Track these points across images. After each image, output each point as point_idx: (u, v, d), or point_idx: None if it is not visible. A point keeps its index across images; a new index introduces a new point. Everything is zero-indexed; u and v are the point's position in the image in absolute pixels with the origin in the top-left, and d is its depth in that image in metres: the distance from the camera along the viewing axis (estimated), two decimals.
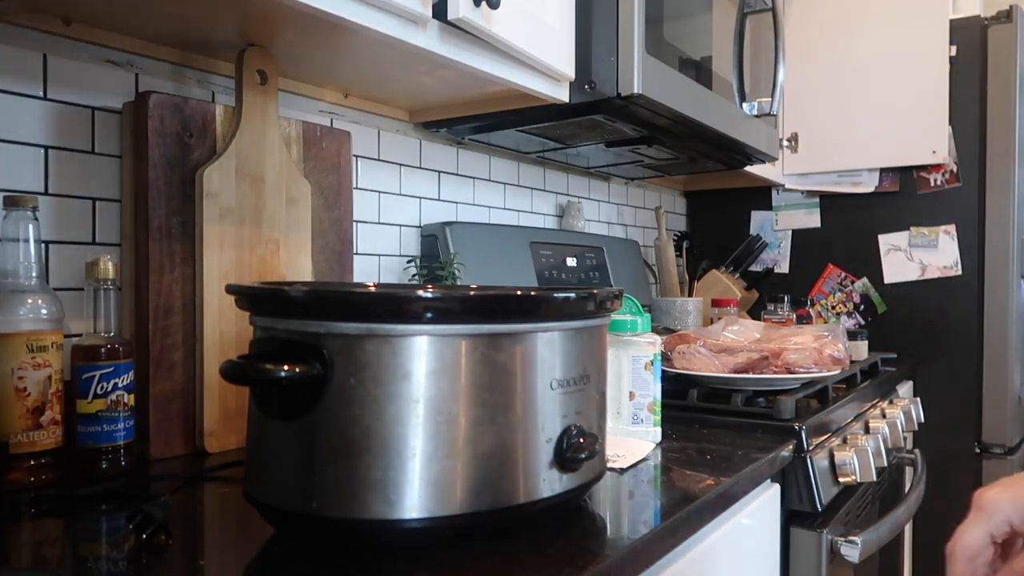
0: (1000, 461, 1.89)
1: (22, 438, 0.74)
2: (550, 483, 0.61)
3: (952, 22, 1.92)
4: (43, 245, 0.86)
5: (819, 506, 1.00)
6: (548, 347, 0.62)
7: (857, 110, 2.01)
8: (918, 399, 1.62)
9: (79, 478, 0.77)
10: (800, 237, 2.18)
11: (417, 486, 0.55)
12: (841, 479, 1.08)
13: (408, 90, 1.20)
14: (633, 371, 0.95)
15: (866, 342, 1.68)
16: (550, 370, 0.62)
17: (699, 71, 1.36)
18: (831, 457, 1.07)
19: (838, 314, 2.11)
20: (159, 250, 0.85)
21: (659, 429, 0.96)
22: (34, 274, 0.76)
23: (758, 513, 0.92)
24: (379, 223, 1.30)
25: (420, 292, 0.57)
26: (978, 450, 1.91)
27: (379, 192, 1.30)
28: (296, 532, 0.60)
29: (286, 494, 0.57)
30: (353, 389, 0.55)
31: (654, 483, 0.80)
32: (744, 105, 1.45)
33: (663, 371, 0.98)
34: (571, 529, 0.64)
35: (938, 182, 1.97)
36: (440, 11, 0.87)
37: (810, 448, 1.01)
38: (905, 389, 1.78)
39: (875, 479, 1.11)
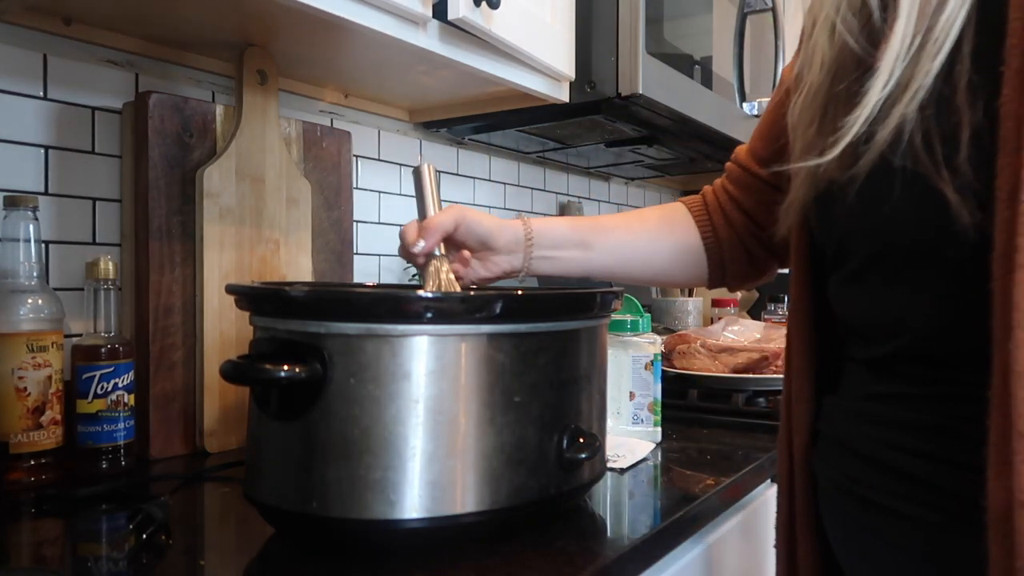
0: None
1: (22, 438, 0.74)
2: (550, 483, 0.61)
3: None
4: (43, 245, 0.86)
5: None
6: (548, 347, 0.62)
7: None
8: None
9: (79, 478, 0.77)
10: None
11: (417, 486, 0.55)
12: None
13: (408, 90, 1.20)
14: (633, 371, 0.95)
15: None
16: (550, 370, 0.62)
17: (699, 71, 1.36)
18: None
19: None
20: (159, 250, 0.85)
21: (659, 429, 0.96)
22: (34, 274, 0.76)
23: (758, 513, 0.92)
24: (379, 223, 1.30)
25: (420, 292, 0.57)
26: None
27: (379, 192, 1.30)
28: (296, 532, 0.60)
29: (286, 494, 0.57)
30: (353, 389, 0.55)
31: (654, 483, 0.80)
32: (744, 105, 1.45)
33: (663, 371, 0.98)
34: (571, 529, 0.64)
35: None
36: (440, 11, 0.87)
37: None
38: None
39: None
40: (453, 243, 0.75)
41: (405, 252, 0.74)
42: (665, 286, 0.97)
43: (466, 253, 0.75)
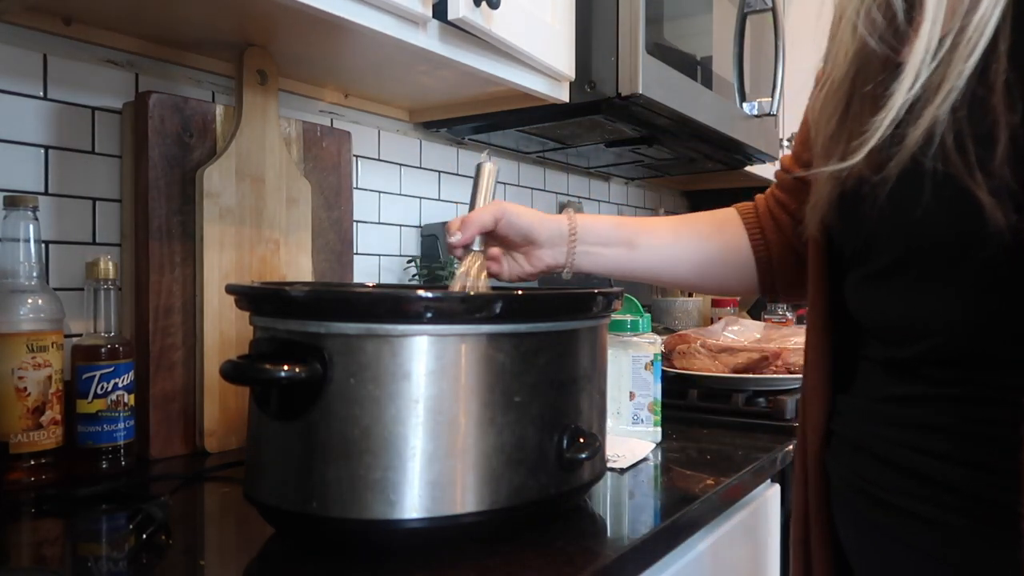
0: None
1: (22, 438, 0.74)
2: (550, 483, 0.61)
3: None
4: (43, 245, 0.86)
5: None
6: (548, 347, 0.62)
7: None
8: None
9: (79, 478, 0.77)
10: None
11: (417, 486, 0.55)
12: None
13: (408, 90, 1.20)
14: (633, 371, 0.95)
15: None
16: (550, 370, 0.62)
17: (699, 71, 1.36)
18: None
19: None
20: (159, 250, 0.85)
21: (659, 429, 0.96)
22: (34, 274, 0.76)
23: (758, 513, 0.92)
24: (379, 223, 1.30)
25: (420, 292, 0.57)
26: None
27: (379, 192, 1.30)
28: (296, 532, 0.60)
29: (286, 494, 0.57)
30: (353, 389, 0.55)
31: (654, 483, 0.80)
32: (744, 105, 1.45)
33: (663, 371, 0.98)
34: (571, 529, 0.64)
35: None
36: (440, 11, 0.87)
37: None
38: None
39: None
40: (496, 238, 0.76)
41: (448, 245, 0.76)
42: (713, 292, 0.94)
43: (495, 251, 0.76)
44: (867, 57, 0.52)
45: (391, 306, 0.56)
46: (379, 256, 1.30)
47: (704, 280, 0.81)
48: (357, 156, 1.25)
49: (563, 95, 1.15)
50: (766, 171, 1.99)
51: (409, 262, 1.31)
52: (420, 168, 1.39)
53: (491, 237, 0.76)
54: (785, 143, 2.08)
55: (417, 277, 1.29)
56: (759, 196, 0.81)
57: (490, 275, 0.76)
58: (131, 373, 0.81)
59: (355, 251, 1.23)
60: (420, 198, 1.39)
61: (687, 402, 1.14)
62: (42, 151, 0.86)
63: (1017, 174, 0.43)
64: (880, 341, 0.56)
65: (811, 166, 0.69)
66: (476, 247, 0.75)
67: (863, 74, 0.52)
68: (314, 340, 0.56)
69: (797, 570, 0.65)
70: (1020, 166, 0.42)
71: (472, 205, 0.77)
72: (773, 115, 1.53)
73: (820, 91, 0.57)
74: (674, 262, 0.78)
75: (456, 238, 0.73)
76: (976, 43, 0.44)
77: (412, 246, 1.37)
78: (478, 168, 0.78)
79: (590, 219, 0.78)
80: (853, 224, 0.56)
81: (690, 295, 1.99)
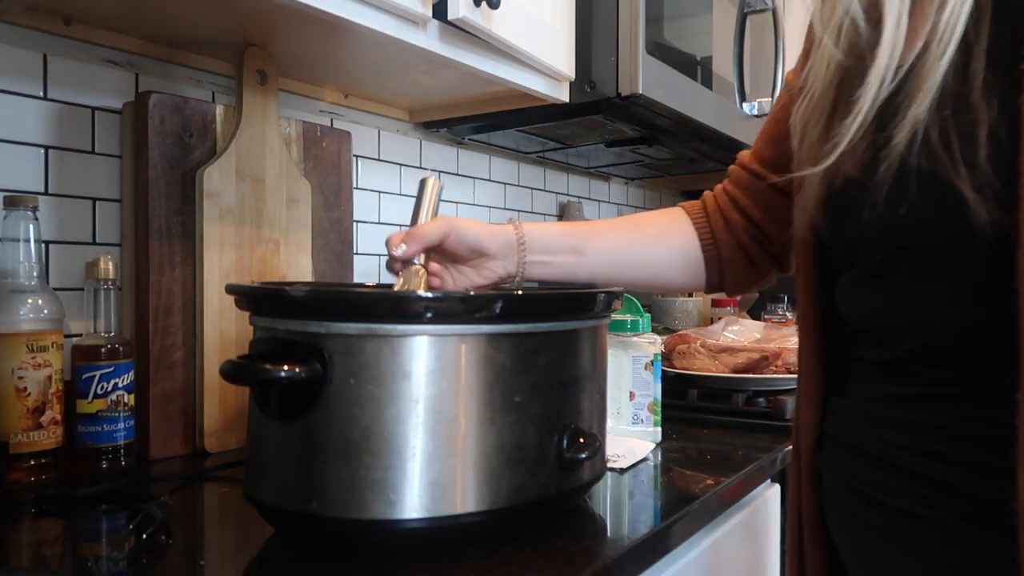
0: None
1: (22, 438, 0.74)
2: (550, 483, 0.61)
3: None
4: (43, 245, 0.86)
5: None
6: (548, 347, 0.62)
7: None
8: None
9: (79, 478, 0.77)
10: None
11: (417, 486, 0.55)
12: None
13: (408, 90, 1.20)
14: (633, 371, 0.95)
15: None
16: (550, 370, 0.62)
17: (699, 71, 1.36)
18: None
19: None
20: (159, 250, 0.85)
21: (659, 429, 0.96)
22: (34, 274, 0.76)
23: (758, 513, 0.92)
24: (379, 223, 1.30)
25: (420, 292, 0.57)
26: None
27: (379, 192, 1.30)
28: (296, 532, 0.60)
29: (286, 494, 0.57)
30: (353, 389, 0.55)
31: (654, 483, 0.80)
32: (744, 105, 1.45)
33: (663, 371, 0.98)
34: (571, 529, 0.64)
35: None
36: (440, 11, 0.87)
37: None
38: None
39: None
40: (445, 254, 0.75)
41: (388, 260, 0.74)
42: (661, 291, 0.96)
43: (435, 266, 0.75)
44: (848, 65, 0.53)
45: (391, 306, 0.56)
46: (379, 256, 1.30)
47: (652, 281, 0.82)
48: (357, 156, 1.25)
49: (563, 95, 1.15)
50: None
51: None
52: (420, 168, 1.39)
53: (436, 252, 0.75)
54: None
55: None
56: (707, 193, 0.81)
57: (431, 289, 0.75)
58: (131, 373, 0.81)
59: (355, 251, 1.23)
60: None
61: (687, 402, 1.14)
62: (42, 151, 0.86)
63: (998, 171, 0.43)
64: (871, 342, 0.56)
65: (774, 163, 0.70)
66: (417, 262, 0.73)
67: (844, 82, 0.53)
68: (314, 340, 0.56)
69: (792, 572, 0.65)
70: (1001, 163, 0.43)
71: (414, 220, 0.75)
72: None
73: (802, 102, 0.57)
74: (621, 266, 0.79)
75: (400, 251, 0.71)
76: (948, 41, 0.45)
77: None
78: (422, 183, 0.76)
79: (537, 228, 0.77)
80: (842, 226, 0.56)
81: (690, 295, 1.99)
